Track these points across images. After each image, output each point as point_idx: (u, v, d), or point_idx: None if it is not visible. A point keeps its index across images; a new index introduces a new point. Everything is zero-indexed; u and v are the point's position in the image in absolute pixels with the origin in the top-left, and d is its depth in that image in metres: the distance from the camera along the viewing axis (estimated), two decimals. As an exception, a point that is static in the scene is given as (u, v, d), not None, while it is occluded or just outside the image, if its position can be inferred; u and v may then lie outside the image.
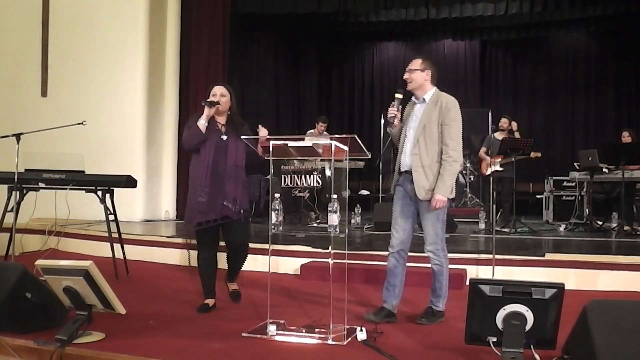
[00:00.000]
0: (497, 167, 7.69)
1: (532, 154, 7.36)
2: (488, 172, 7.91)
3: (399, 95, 3.76)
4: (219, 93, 4.00)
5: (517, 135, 8.04)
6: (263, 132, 3.90)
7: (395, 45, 13.62)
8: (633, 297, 4.25)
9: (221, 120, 4.04)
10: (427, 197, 3.66)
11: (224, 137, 3.96)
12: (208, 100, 3.95)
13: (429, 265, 3.81)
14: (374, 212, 7.60)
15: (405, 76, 3.80)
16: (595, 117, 12.59)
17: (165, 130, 8.77)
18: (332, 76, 14.26)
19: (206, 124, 3.91)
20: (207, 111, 3.91)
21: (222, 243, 4.14)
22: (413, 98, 3.84)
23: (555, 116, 12.88)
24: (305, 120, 12.24)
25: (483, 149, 8.21)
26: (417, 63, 3.79)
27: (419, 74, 3.76)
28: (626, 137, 7.80)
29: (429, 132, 3.69)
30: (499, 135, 8.07)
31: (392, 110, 3.75)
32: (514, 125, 8.22)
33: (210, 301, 4.09)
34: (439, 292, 3.79)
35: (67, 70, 8.58)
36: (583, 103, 12.71)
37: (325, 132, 8.43)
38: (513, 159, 7.28)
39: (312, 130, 8.63)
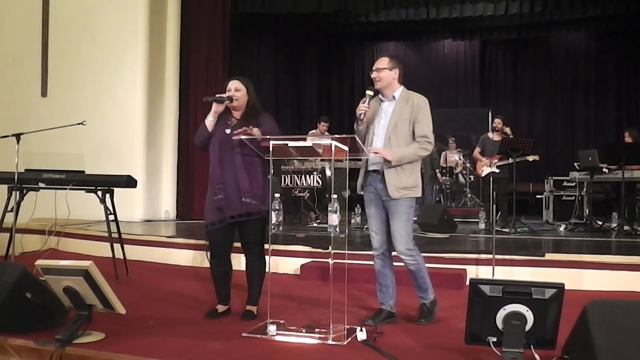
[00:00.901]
0: (494, 169, 7.68)
1: (530, 157, 7.36)
2: (484, 174, 7.90)
3: (370, 93, 3.67)
4: (234, 87, 3.81)
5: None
6: (254, 132, 3.62)
7: (395, 45, 13.63)
8: (633, 297, 4.25)
9: (237, 115, 3.85)
10: (399, 196, 3.59)
11: (228, 130, 3.74)
12: (217, 95, 3.78)
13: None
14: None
15: (373, 75, 3.72)
16: (595, 117, 12.61)
17: (165, 130, 8.78)
18: (332, 76, 14.27)
19: (214, 121, 3.75)
20: (215, 107, 3.75)
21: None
22: (380, 96, 3.76)
23: (555, 116, 12.89)
24: (305, 120, 12.26)
25: (477, 150, 8.20)
26: (384, 62, 3.71)
27: (387, 73, 3.68)
28: (627, 137, 7.81)
29: (401, 129, 3.62)
30: (493, 136, 8.07)
31: (363, 107, 3.64)
32: (508, 130, 8.23)
33: (220, 307, 3.89)
34: (424, 287, 3.74)
35: (67, 70, 8.59)
36: (583, 103, 12.73)
37: (326, 132, 8.43)
38: (510, 161, 7.28)
39: (314, 131, 8.63)
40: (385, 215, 3.71)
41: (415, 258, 3.66)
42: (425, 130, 3.64)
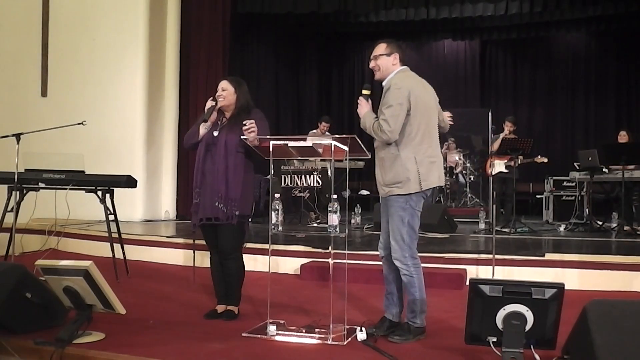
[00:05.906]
0: (502, 169, 7.68)
1: (539, 159, 7.37)
2: (493, 173, 7.91)
3: (366, 92, 3.39)
4: (221, 87, 3.82)
5: None
6: (249, 123, 3.55)
7: (395, 45, 13.61)
8: (633, 297, 4.25)
9: (228, 115, 3.84)
10: (384, 194, 3.36)
11: (215, 133, 3.75)
12: (205, 111, 3.74)
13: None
14: (374, 212, 7.60)
15: (371, 65, 3.41)
16: (595, 117, 12.59)
17: (165, 130, 8.77)
18: (332, 76, 14.26)
19: (207, 129, 3.76)
20: (211, 118, 3.75)
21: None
22: (383, 85, 3.45)
23: (555, 116, 12.88)
24: (305, 120, 12.25)
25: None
26: (381, 48, 3.39)
27: (385, 60, 3.37)
28: (622, 137, 7.87)
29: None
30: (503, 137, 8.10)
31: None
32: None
33: (220, 307, 3.89)
34: (412, 306, 3.33)
35: (67, 70, 8.58)
36: (583, 103, 12.70)
37: (327, 133, 8.43)
38: (519, 161, 7.29)
39: (314, 131, 8.63)
40: None
41: (409, 269, 3.30)
42: (385, 111, 3.23)
